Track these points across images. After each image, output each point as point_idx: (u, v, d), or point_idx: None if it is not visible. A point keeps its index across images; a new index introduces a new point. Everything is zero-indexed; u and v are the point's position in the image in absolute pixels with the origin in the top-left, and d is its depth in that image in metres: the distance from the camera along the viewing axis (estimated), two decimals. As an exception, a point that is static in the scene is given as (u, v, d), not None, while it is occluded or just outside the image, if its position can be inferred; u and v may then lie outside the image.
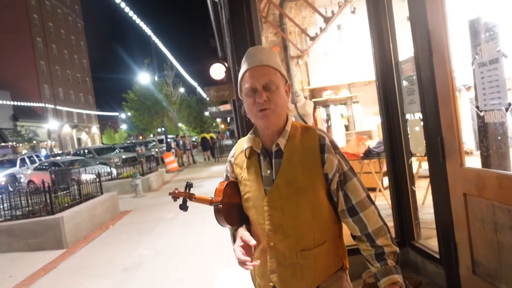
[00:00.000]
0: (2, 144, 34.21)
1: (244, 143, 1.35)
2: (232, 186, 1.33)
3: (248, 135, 1.34)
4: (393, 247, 1.21)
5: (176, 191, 1.32)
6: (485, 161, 2.09)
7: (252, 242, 1.20)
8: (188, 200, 1.31)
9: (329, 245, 1.24)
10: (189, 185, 1.32)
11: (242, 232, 1.27)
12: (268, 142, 1.28)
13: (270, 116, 1.21)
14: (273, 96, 1.21)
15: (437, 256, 2.63)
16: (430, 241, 2.98)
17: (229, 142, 33.25)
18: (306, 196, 1.21)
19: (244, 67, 1.27)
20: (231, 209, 1.30)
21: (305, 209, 1.21)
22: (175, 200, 1.31)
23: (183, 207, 1.30)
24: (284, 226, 1.22)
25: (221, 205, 1.27)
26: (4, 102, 35.49)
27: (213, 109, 26.22)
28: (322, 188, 1.23)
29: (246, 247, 1.21)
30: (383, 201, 4.75)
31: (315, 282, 1.24)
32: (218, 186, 1.33)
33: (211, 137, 22.55)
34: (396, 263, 1.19)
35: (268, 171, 1.26)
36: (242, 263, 1.18)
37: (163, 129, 22.51)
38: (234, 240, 1.34)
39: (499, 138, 1.94)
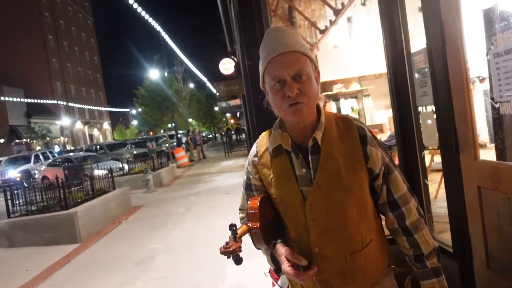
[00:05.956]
0: (17, 140, 34.91)
1: (266, 139, 1.21)
2: (264, 202, 1.16)
3: (273, 130, 1.20)
4: (430, 244, 1.15)
5: (230, 248, 1.06)
6: (501, 154, 2.05)
7: (303, 262, 1.09)
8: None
9: (375, 242, 1.16)
10: (234, 229, 1.08)
11: (286, 251, 1.13)
12: (299, 137, 1.14)
13: (303, 111, 1.06)
14: (305, 87, 1.05)
15: (451, 250, 2.60)
16: (443, 235, 2.95)
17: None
18: (351, 194, 1.10)
19: (266, 53, 1.09)
20: (267, 229, 1.16)
21: (351, 208, 1.10)
22: (228, 258, 1.09)
23: (239, 261, 1.08)
24: (330, 229, 1.11)
25: (259, 231, 1.12)
26: (18, 99, 36.12)
27: (223, 104, 26.26)
28: (366, 184, 1.13)
29: (295, 266, 1.10)
30: (395, 195, 4.71)
31: (366, 285, 1.16)
32: (249, 206, 1.15)
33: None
34: (437, 257, 1.16)
35: (304, 170, 1.12)
36: (304, 279, 1.08)
37: (173, 124, 22.68)
38: (272, 259, 1.23)
39: (515, 130, 1.90)
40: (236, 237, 1.08)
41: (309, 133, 1.12)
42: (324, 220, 1.10)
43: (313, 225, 1.11)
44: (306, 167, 1.12)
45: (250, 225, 1.13)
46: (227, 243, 1.08)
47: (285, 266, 1.10)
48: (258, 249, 1.20)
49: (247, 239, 1.11)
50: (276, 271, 1.23)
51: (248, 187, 1.27)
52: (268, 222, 1.17)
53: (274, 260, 1.21)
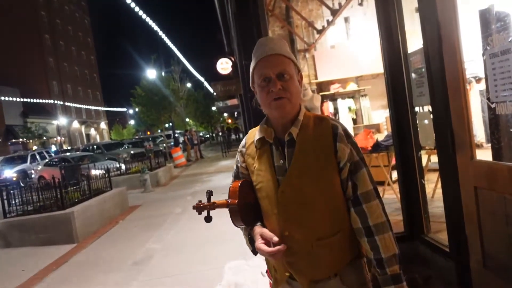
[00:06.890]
0: (13, 140, 34.77)
1: (255, 133, 1.34)
2: (246, 185, 1.31)
3: (260, 125, 1.33)
4: (390, 249, 1.18)
5: (201, 205, 1.28)
6: (497, 154, 2.06)
7: (275, 239, 1.19)
8: (211, 210, 1.28)
9: (343, 234, 1.23)
10: (210, 194, 1.29)
11: (261, 230, 1.26)
12: (281, 131, 1.27)
13: (285, 105, 1.20)
14: (288, 84, 1.20)
15: (447, 249, 2.61)
16: (439, 234, 2.96)
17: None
18: (320, 185, 1.21)
19: (256, 57, 1.26)
20: (246, 209, 1.28)
21: (319, 198, 1.20)
22: (200, 214, 1.28)
23: (208, 219, 1.28)
24: (298, 215, 1.22)
25: (237, 207, 1.25)
26: (14, 99, 35.93)
27: (220, 104, 26.23)
28: (335, 177, 1.22)
29: (267, 244, 1.21)
30: (392, 194, 4.72)
31: (331, 271, 1.24)
32: (231, 186, 1.31)
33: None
34: (399, 264, 1.18)
35: (281, 161, 1.25)
36: (272, 255, 1.19)
37: (170, 124, 22.62)
38: (249, 240, 1.33)
39: (511, 130, 1.91)
40: (209, 199, 1.27)
41: (289, 128, 1.25)
42: (293, 207, 1.22)
43: (283, 210, 1.23)
44: (283, 158, 1.25)
45: (230, 201, 1.26)
46: (200, 201, 1.28)
47: (258, 243, 1.22)
48: (237, 226, 1.32)
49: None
50: (253, 252, 1.32)
51: (236, 176, 1.41)
52: (248, 204, 1.29)
53: (252, 242, 1.31)
